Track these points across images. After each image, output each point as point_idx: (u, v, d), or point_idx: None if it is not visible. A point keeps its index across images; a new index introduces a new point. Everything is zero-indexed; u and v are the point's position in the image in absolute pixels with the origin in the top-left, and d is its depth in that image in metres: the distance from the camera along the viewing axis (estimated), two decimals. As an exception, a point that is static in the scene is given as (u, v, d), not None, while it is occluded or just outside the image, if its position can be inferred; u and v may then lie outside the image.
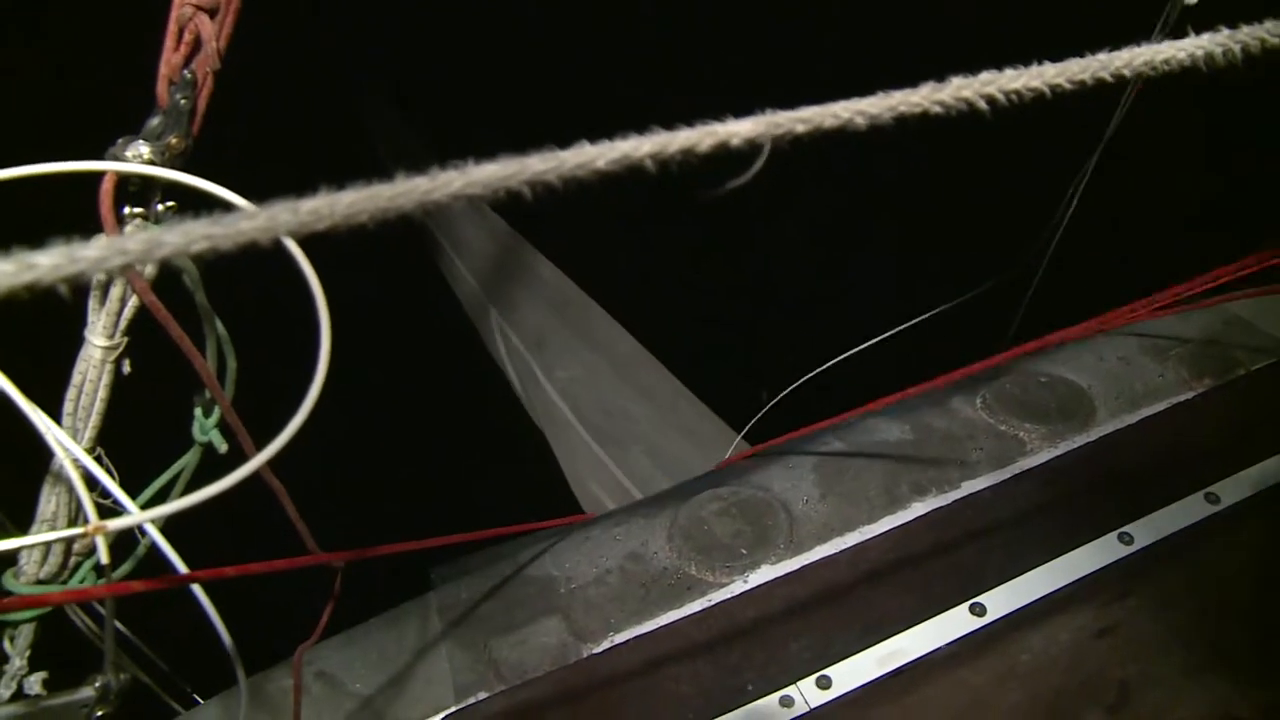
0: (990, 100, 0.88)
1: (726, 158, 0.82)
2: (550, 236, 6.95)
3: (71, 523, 2.00)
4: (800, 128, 0.82)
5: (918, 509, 2.66)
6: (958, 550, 2.53)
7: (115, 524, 1.58)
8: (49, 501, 1.99)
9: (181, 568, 1.87)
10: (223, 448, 2.15)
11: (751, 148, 0.82)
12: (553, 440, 5.88)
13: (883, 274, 7.34)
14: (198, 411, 2.13)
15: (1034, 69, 0.90)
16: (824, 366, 3.50)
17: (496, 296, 6.70)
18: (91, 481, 2.12)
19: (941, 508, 2.65)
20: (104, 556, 1.90)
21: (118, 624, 2.34)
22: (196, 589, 1.82)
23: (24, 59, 6.63)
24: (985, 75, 0.89)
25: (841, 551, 2.59)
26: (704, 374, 5.84)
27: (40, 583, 2.08)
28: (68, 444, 1.86)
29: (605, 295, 6.36)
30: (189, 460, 2.22)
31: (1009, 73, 0.89)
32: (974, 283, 3.66)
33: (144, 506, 2.19)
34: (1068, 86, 0.92)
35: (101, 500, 2.14)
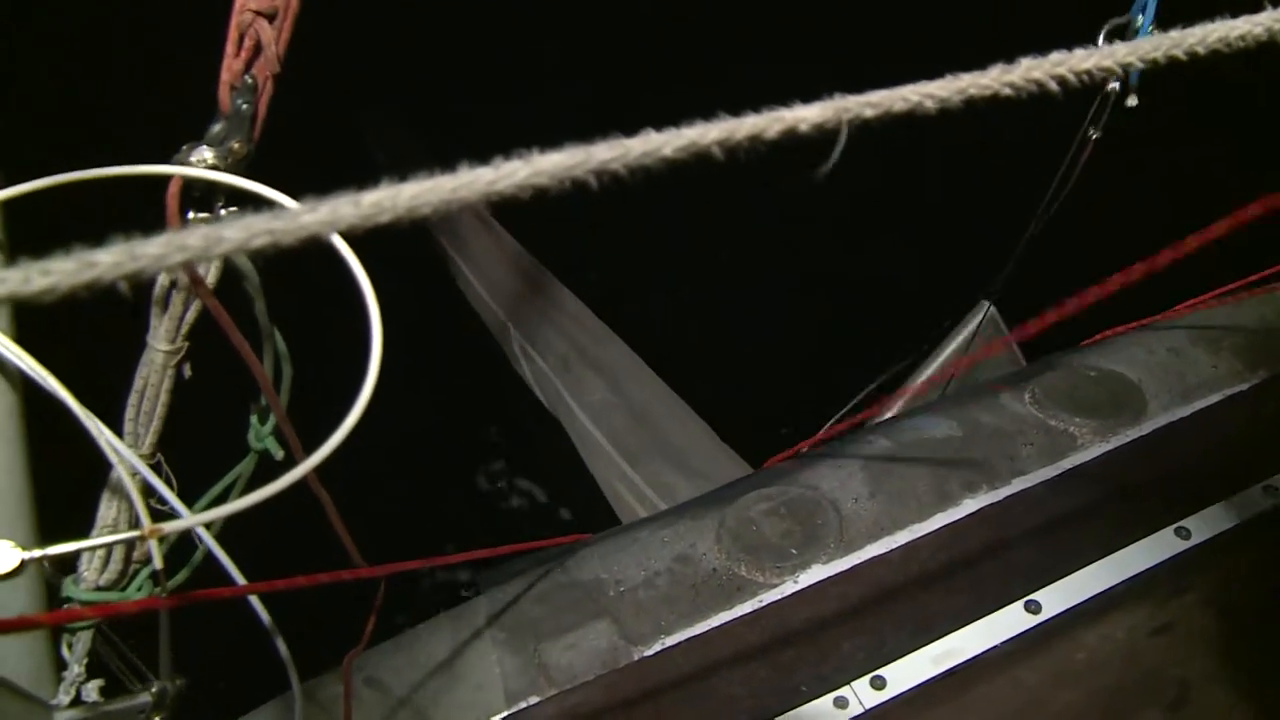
0: (1061, 81, 0.86)
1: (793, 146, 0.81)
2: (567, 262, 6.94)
3: (131, 529, 2.02)
4: (869, 111, 0.81)
5: (969, 506, 2.63)
6: (1011, 548, 2.50)
7: (169, 527, 1.59)
8: (108, 507, 2.01)
9: (239, 578, 1.87)
10: (279, 454, 2.16)
11: (820, 133, 0.80)
12: (586, 457, 5.88)
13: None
14: (253, 419, 2.14)
15: (1106, 49, 0.88)
16: (848, 407, 3.51)
17: (517, 320, 6.70)
18: (149, 489, 2.14)
19: (993, 504, 2.62)
20: (158, 561, 1.91)
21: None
22: (254, 600, 1.82)
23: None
24: (1056, 56, 0.87)
25: (892, 550, 2.57)
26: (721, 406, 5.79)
27: (100, 589, 2.09)
28: (123, 451, 1.87)
29: (628, 332, 6.28)
30: (244, 467, 2.23)
31: (1079, 53, 0.87)
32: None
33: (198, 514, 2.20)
34: (1139, 65, 0.90)
35: (159, 507, 2.16)
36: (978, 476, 2.69)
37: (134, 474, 1.91)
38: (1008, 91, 0.87)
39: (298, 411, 2.17)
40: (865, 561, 2.55)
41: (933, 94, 0.82)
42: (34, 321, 1.77)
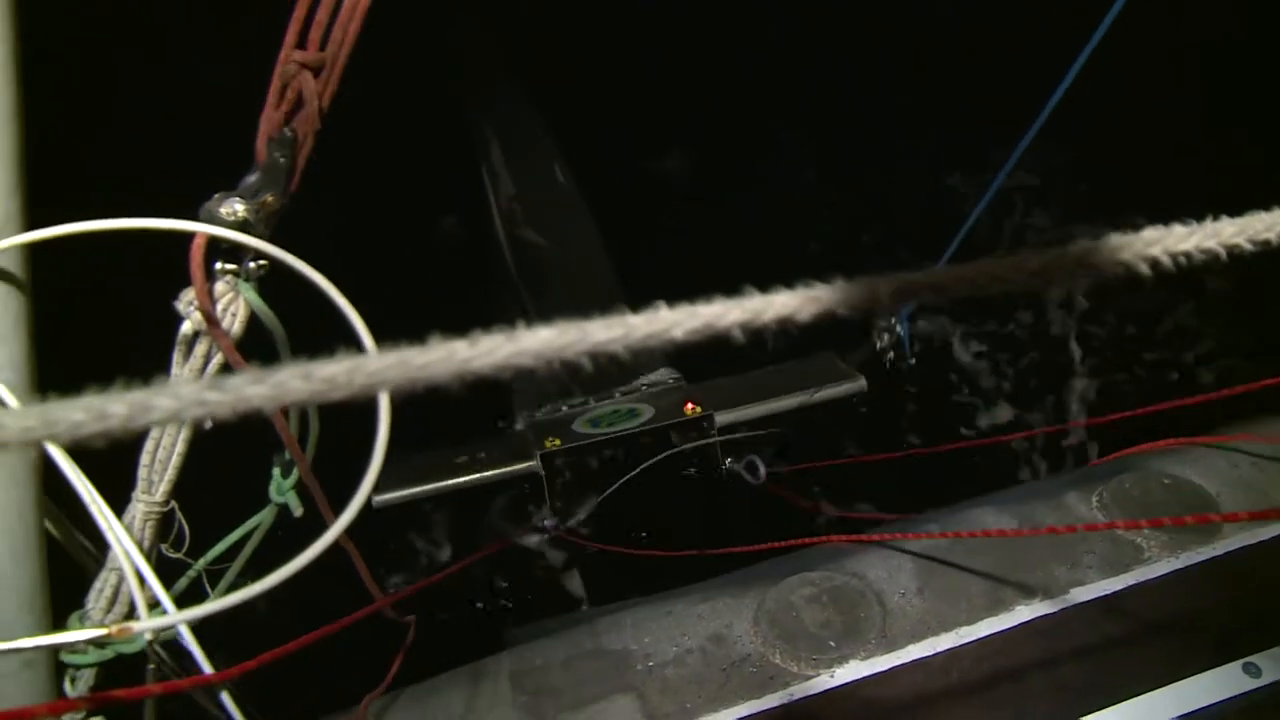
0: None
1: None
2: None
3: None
4: (927, 294, 0.70)
5: (1021, 614, 2.48)
6: (1061, 666, 2.35)
7: (139, 626, 1.52)
8: (104, 579, 1.95)
9: (207, 668, 1.80)
10: (298, 511, 2.09)
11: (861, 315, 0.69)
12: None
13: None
14: (275, 471, 2.07)
15: (1210, 226, 0.75)
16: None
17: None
18: (166, 528, 2.09)
19: (1047, 616, 2.46)
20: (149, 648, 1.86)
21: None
22: (224, 696, 1.75)
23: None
24: (1151, 233, 0.74)
25: (936, 654, 2.42)
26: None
27: (101, 625, 2.04)
28: (125, 542, 1.81)
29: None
30: (263, 519, 2.16)
31: (1178, 230, 0.74)
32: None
33: (212, 563, 2.14)
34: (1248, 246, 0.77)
35: (173, 552, 2.10)
36: (1034, 582, 2.54)
37: (130, 560, 1.84)
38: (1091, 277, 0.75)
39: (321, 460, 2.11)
40: (906, 664, 2.41)
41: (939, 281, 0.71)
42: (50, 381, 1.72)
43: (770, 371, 5.11)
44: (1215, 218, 0.79)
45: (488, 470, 4.58)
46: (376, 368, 0.62)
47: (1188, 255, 0.77)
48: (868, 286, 0.68)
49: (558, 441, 4.68)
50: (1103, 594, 2.48)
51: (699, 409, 4.74)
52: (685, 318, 0.65)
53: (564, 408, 5.23)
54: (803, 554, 2.84)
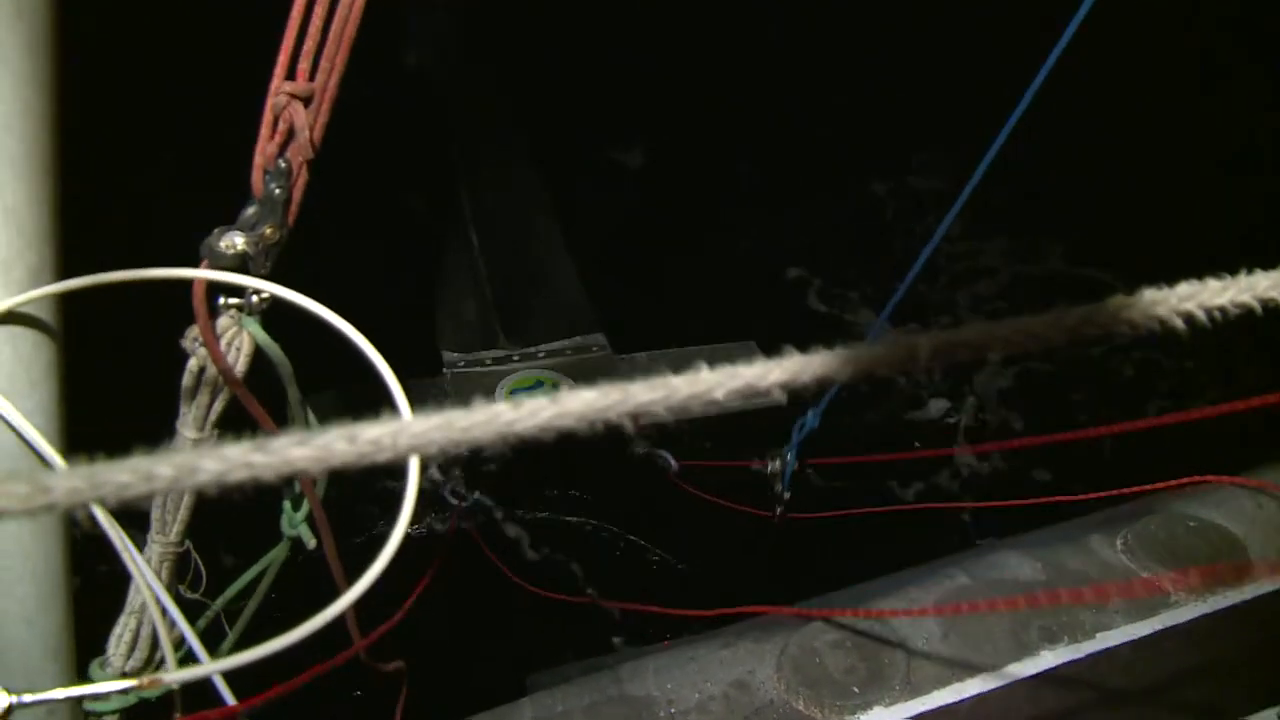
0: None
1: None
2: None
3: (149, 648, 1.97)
4: (965, 352, 0.70)
5: (1047, 659, 2.45)
6: (1089, 712, 2.33)
7: (171, 678, 1.53)
8: (128, 618, 1.96)
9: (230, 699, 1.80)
10: (311, 543, 2.09)
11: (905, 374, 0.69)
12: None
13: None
14: (286, 504, 2.07)
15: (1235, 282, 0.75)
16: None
17: None
18: (183, 570, 2.09)
19: (1073, 661, 2.43)
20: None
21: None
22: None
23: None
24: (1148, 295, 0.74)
25: (962, 701, 2.40)
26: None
27: (125, 675, 2.03)
28: (155, 587, 1.81)
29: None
30: (276, 554, 2.16)
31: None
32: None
33: (230, 602, 2.15)
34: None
35: (190, 593, 2.10)
36: (1059, 627, 2.51)
37: (158, 603, 1.85)
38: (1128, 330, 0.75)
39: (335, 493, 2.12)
40: (931, 710, 2.39)
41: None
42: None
43: (691, 352, 5.21)
44: (1249, 271, 0.79)
45: None
46: (421, 430, 0.62)
47: (1223, 310, 0.77)
48: (906, 346, 0.68)
49: None
50: (1130, 639, 2.46)
51: None
52: (726, 379, 0.65)
53: (488, 360, 5.31)
54: (826, 597, 2.82)
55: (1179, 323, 0.77)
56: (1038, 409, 6.82)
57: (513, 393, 5.11)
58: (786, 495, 4.22)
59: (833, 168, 8.76)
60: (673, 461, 5.39)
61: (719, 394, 0.65)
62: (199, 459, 0.61)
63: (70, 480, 0.61)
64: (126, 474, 0.61)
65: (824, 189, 8.76)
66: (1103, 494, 2.79)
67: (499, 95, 7.12)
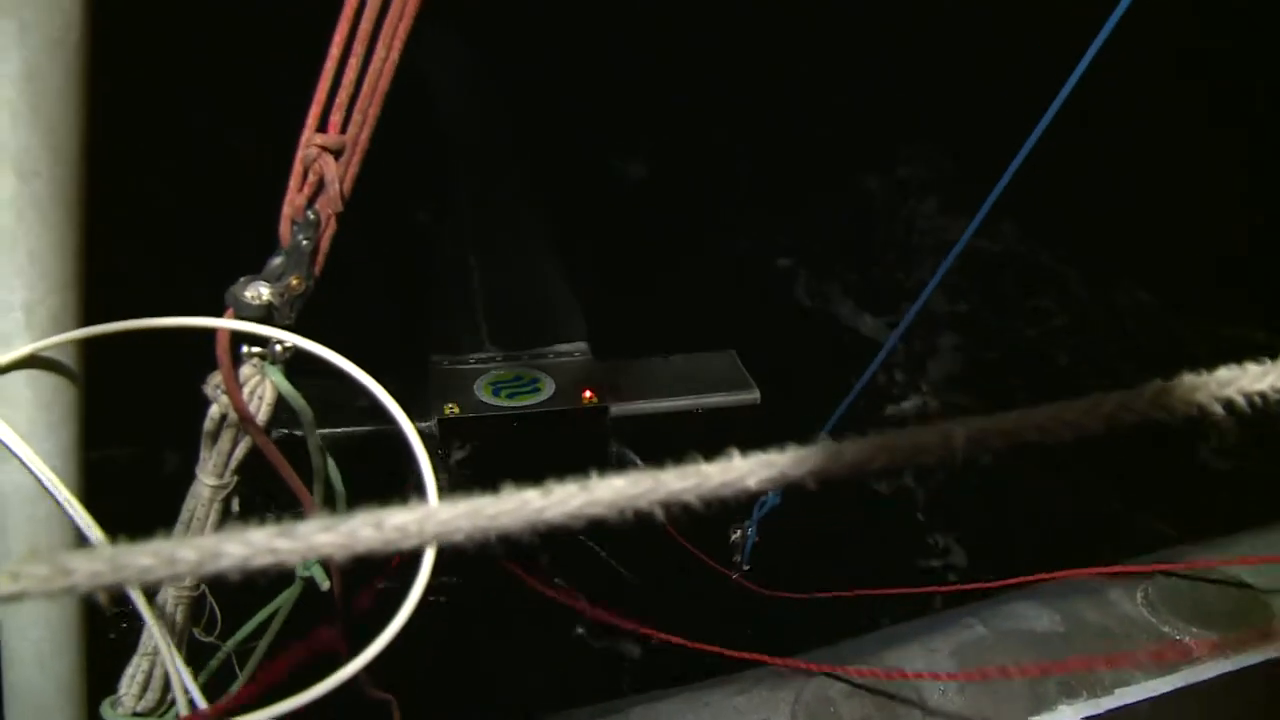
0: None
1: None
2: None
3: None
4: (999, 441, 0.68)
5: (1065, 714, 2.42)
6: (1109, 771, 2.29)
7: None
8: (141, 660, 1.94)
9: None
10: (325, 584, 2.07)
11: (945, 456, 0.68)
12: None
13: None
14: None
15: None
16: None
17: None
18: (198, 613, 2.08)
19: (1092, 718, 2.40)
20: None
21: None
22: None
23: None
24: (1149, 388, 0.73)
25: None
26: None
27: (137, 715, 2.02)
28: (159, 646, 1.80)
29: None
30: (289, 596, 2.14)
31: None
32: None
33: (241, 643, 2.13)
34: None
35: (205, 637, 2.09)
36: (1078, 682, 2.48)
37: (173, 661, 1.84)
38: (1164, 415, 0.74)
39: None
40: (947, 765, 2.36)
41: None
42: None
43: (674, 360, 5.33)
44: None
45: (384, 424, 4.82)
46: (448, 517, 0.61)
47: (1263, 395, 0.75)
48: (941, 434, 0.67)
49: (456, 409, 4.94)
50: (1150, 695, 2.42)
51: (595, 398, 5.01)
52: (760, 467, 0.64)
53: (472, 360, 5.43)
54: (840, 646, 2.79)
55: (1218, 409, 0.75)
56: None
57: (493, 385, 5.19)
58: (746, 567, 4.36)
59: (823, 165, 8.81)
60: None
61: (751, 482, 0.64)
62: (223, 543, 0.61)
63: (92, 563, 0.60)
64: (149, 557, 0.60)
65: (815, 188, 8.81)
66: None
67: (499, 110, 7.23)
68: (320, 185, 1.69)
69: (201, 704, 1.81)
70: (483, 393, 5.13)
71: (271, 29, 6.96)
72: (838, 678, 2.59)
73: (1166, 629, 2.59)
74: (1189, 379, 0.75)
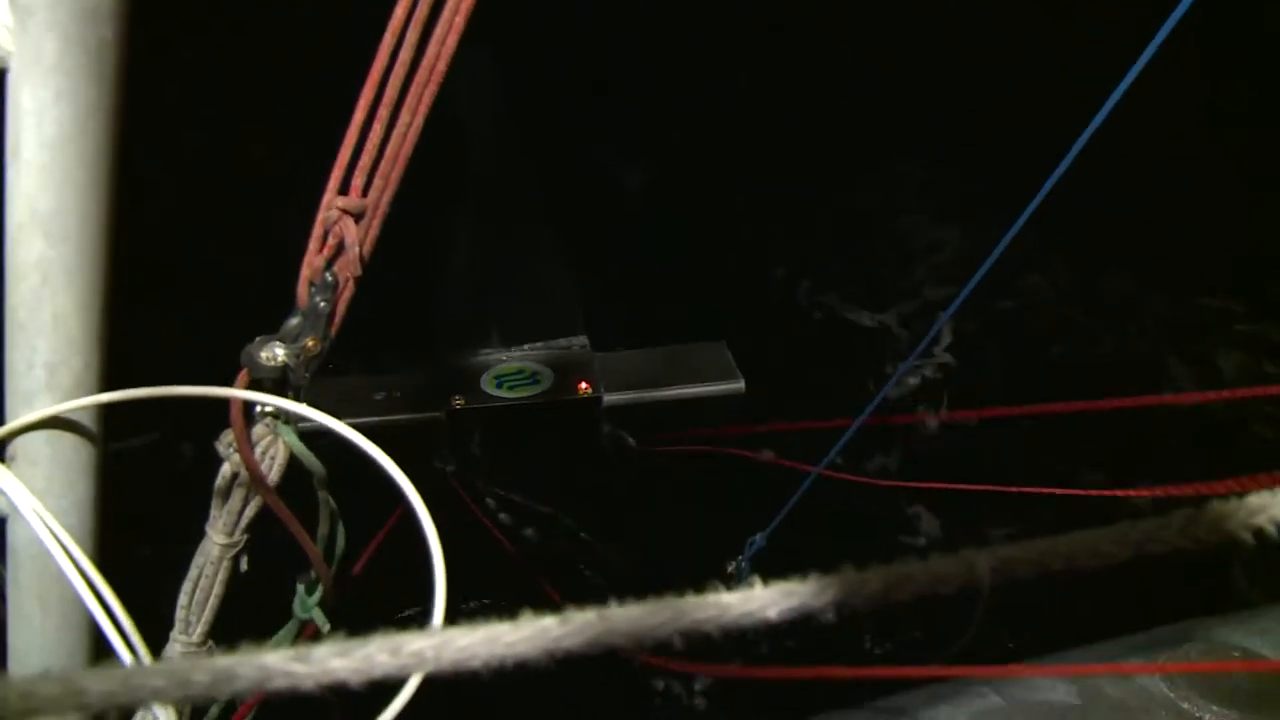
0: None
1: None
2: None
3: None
4: (1026, 569, 0.68)
5: None
6: None
7: None
8: None
9: None
10: (326, 627, 2.06)
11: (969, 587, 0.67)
12: None
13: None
14: (300, 588, 2.04)
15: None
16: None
17: None
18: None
19: None
20: None
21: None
22: None
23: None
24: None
25: None
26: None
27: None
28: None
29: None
30: (285, 635, 2.13)
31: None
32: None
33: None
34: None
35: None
36: None
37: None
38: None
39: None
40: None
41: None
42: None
43: (667, 351, 5.84)
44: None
45: (400, 414, 5.25)
46: (465, 644, 0.60)
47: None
48: (964, 563, 0.66)
49: (463, 401, 5.39)
50: None
51: (590, 389, 5.46)
52: (781, 597, 0.63)
53: (481, 355, 5.96)
54: (854, 712, 2.76)
55: (1248, 537, 0.74)
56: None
57: (497, 378, 5.63)
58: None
59: (823, 165, 8.85)
60: None
61: (772, 613, 0.63)
62: (237, 666, 0.60)
63: (105, 683, 0.60)
64: (162, 679, 0.60)
65: (814, 188, 8.84)
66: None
67: (507, 115, 7.45)
68: (340, 248, 1.70)
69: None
70: (488, 385, 5.57)
71: (296, 85, 7.15)
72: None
73: (1186, 705, 2.55)
74: (1218, 505, 0.74)
